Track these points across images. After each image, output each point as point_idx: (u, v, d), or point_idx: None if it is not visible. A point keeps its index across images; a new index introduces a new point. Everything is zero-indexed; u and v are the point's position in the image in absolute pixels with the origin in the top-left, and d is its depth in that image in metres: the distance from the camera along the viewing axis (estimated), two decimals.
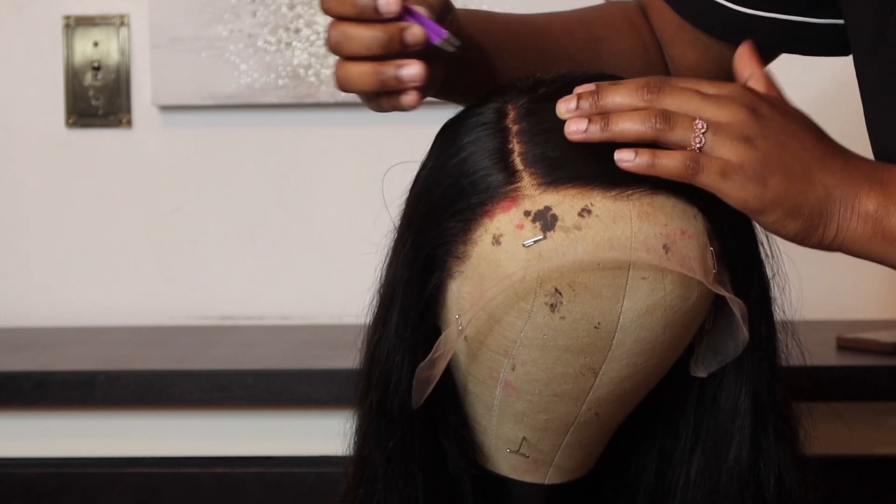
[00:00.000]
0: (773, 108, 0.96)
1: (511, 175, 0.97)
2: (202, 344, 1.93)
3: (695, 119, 0.94)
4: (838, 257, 2.16)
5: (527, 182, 0.96)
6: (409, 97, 0.98)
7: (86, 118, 2.07)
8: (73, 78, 2.07)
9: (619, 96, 0.95)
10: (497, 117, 1.00)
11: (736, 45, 1.17)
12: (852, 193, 0.95)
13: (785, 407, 1.05)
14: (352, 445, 1.09)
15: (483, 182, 0.97)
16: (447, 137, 1.03)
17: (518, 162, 0.97)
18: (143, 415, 1.73)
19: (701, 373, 1.02)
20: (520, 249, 0.95)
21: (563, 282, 0.95)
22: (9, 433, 1.73)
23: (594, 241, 0.95)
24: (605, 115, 0.95)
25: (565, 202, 0.95)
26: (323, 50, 2.03)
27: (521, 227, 0.96)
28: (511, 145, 0.98)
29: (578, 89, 0.97)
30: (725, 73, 1.15)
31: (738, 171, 0.93)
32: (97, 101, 2.07)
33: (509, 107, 1.00)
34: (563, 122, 0.97)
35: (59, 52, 2.07)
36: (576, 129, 0.95)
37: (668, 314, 0.97)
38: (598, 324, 0.96)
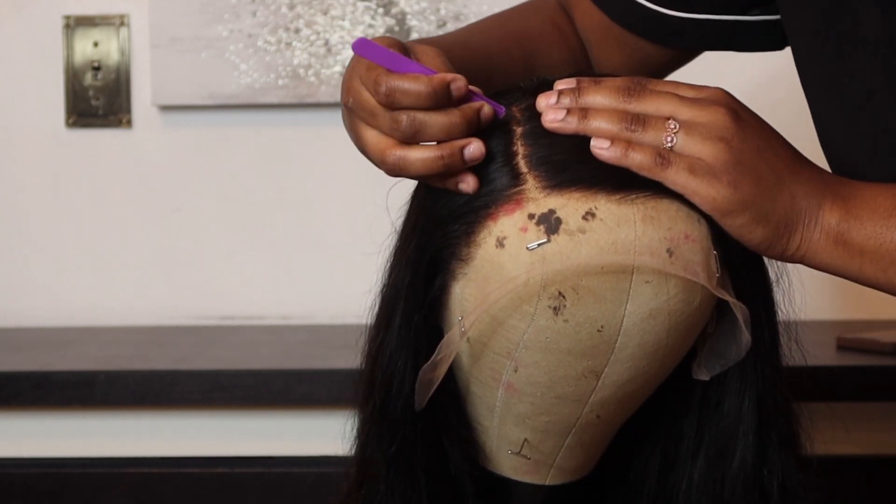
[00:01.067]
0: (751, 114, 0.97)
1: (515, 177, 0.97)
2: (202, 344, 1.93)
3: (668, 119, 0.95)
4: None
5: (531, 185, 0.96)
6: (472, 182, 0.98)
7: (86, 118, 2.07)
8: (73, 78, 2.07)
9: (599, 97, 0.96)
10: (501, 119, 1.00)
11: (670, 47, 1.17)
12: (817, 205, 0.96)
13: (787, 411, 1.05)
14: (353, 447, 1.09)
15: (487, 184, 0.98)
16: None
17: (522, 164, 0.97)
18: (143, 415, 1.73)
19: (703, 376, 1.02)
20: (523, 252, 0.95)
21: (567, 285, 0.95)
22: (9, 433, 1.73)
23: (598, 245, 0.95)
24: (583, 110, 0.96)
25: (569, 205, 0.95)
26: (323, 50, 2.03)
27: (525, 229, 0.95)
28: (515, 147, 0.98)
29: (559, 84, 0.98)
30: (651, 73, 1.16)
31: (708, 170, 0.94)
32: (97, 101, 2.07)
33: (513, 108, 1.00)
34: None
35: (59, 52, 2.07)
36: (553, 117, 0.96)
37: (672, 318, 0.97)
38: (602, 327, 0.96)
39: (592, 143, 0.95)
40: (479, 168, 0.98)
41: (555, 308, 0.96)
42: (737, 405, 1.03)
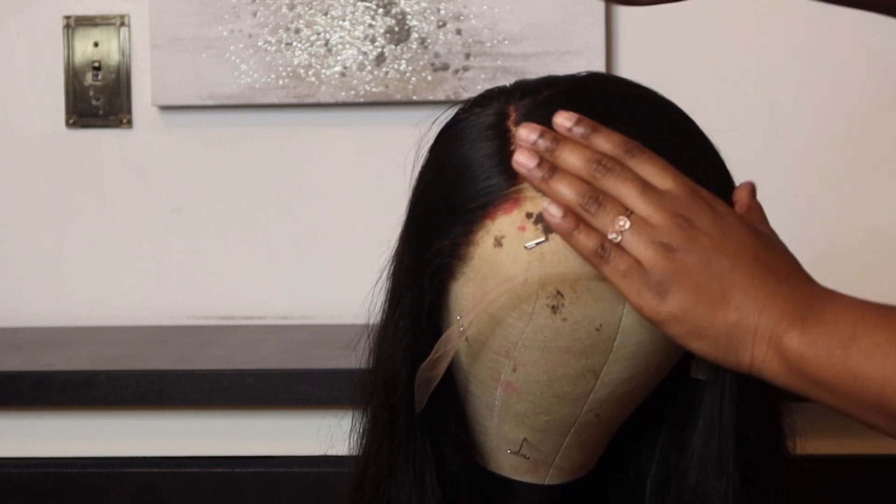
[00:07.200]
0: (717, 221, 0.94)
1: (513, 177, 0.97)
2: (202, 344, 1.93)
3: (626, 210, 0.93)
4: (838, 257, 2.17)
5: (528, 184, 0.97)
6: None
7: (86, 118, 2.08)
8: (73, 78, 2.07)
9: (572, 157, 0.95)
10: (498, 119, 1.00)
11: None
12: (771, 326, 0.91)
13: (775, 412, 1.05)
14: (357, 445, 1.10)
15: (485, 184, 0.98)
16: (448, 139, 1.03)
17: None
18: (143, 415, 1.73)
19: (701, 375, 1.02)
20: (521, 251, 0.96)
21: (565, 284, 0.95)
22: (9, 433, 1.73)
23: None
24: (553, 167, 0.95)
25: None
26: (323, 50, 2.03)
27: (522, 228, 0.96)
28: (513, 147, 0.98)
29: (558, 118, 0.97)
30: None
31: (641, 276, 0.92)
32: (97, 101, 2.07)
33: (511, 108, 1.00)
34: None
35: (59, 52, 2.07)
36: (524, 161, 0.96)
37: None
38: (600, 326, 0.96)
39: (546, 205, 0.94)
40: (478, 168, 0.98)
41: (553, 307, 0.96)
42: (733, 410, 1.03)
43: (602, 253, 0.93)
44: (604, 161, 0.95)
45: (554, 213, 0.94)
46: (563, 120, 0.97)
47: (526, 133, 0.97)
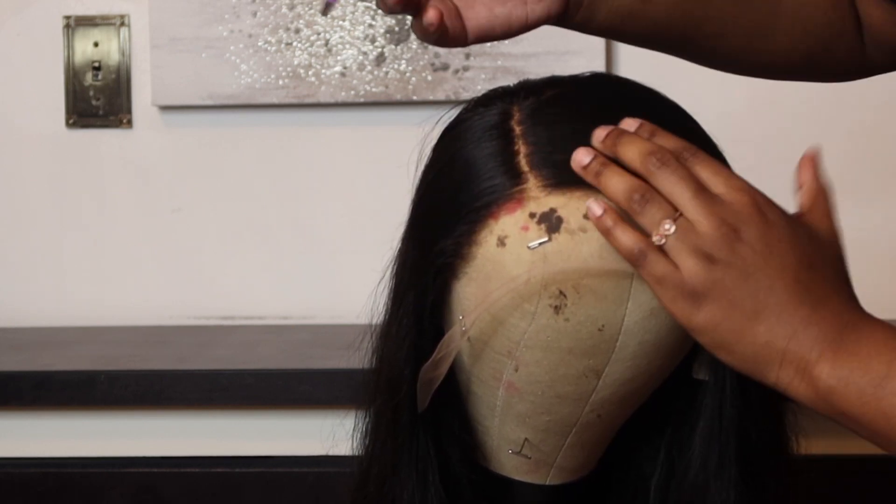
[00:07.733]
0: (765, 233, 0.92)
1: (516, 177, 0.97)
2: (202, 344, 1.93)
3: (673, 211, 0.92)
4: None
5: (532, 184, 0.96)
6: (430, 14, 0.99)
7: (86, 118, 2.08)
8: (73, 78, 2.07)
9: (631, 148, 0.94)
10: (502, 119, 1.00)
11: None
12: (802, 354, 0.90)
13: (777, 413, 1.05)
14: (360, 444, 1.10)
15: (488, 183, 0.98)
16: (451, 138, 1.03)
17: (523, 163, 0.97)
18: (143, 415, 1.73)
19: (702, 376, 1.02)
20: (525, 251, 0.95)
21: (568, 284, 0.95)
22: (9, 433, 1.73)
23: (599, 244, 0.95)
24: (605, 162, 0.94)
25: (571, 204, 0.95)
26: (323, 50, 2.03)
27: (526, 228, 0.96)
28: (516, 147, 0.98)
29: (625, 123, 0.96)
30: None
31: (678, 283, 0.91)
32: (97, 101, 2.07)
33: (515, 108, 1.00)
34: (569, 124, 0.97)
35: (59, 52, 2.08)
36: (580, 159, 0.95)
37: (672, 317, 0.97)
38: (602, 326, 0.96)
39: (589, 202, 0.93)
40: (481, 168, 0.98)
41: (556, 307, 0.96)
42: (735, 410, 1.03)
43: (640, 254, 0.91)
44: (660, 154, 0.93)
45: (595, 210, 0.93)
46: (628, 126, 0.96)
47: (602, 131, 0.96)
